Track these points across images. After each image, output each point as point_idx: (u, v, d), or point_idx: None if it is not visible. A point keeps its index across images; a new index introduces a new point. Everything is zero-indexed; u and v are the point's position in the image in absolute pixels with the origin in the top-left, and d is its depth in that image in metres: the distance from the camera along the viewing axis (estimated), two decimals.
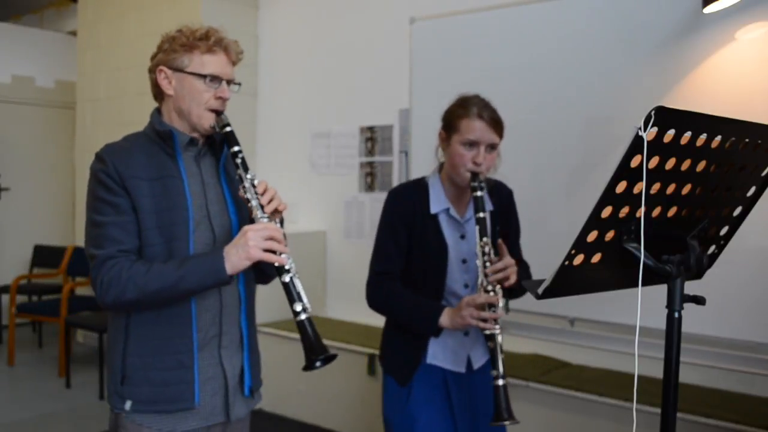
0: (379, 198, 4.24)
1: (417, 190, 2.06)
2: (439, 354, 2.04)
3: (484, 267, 1.88)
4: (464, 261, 2.03)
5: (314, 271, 4.50)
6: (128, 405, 1.60)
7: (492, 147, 1.94)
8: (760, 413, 2.62)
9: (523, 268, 2.09)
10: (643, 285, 1.19)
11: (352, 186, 4.44)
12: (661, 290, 1.27)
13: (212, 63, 1.63)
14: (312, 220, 4.67)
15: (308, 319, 1.56)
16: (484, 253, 1.88)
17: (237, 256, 1.52)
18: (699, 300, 1.26)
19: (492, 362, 1.87)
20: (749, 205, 1.38)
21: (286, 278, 1.56)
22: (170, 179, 1.60)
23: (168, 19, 4.87)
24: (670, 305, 1.25)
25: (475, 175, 1.92)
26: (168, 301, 1.57)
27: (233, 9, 4.82)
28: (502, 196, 2.12)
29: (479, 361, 2.08)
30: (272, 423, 4.02)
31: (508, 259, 1.90)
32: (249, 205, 1.59)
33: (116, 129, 6.08)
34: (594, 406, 2.87)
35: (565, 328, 2.90)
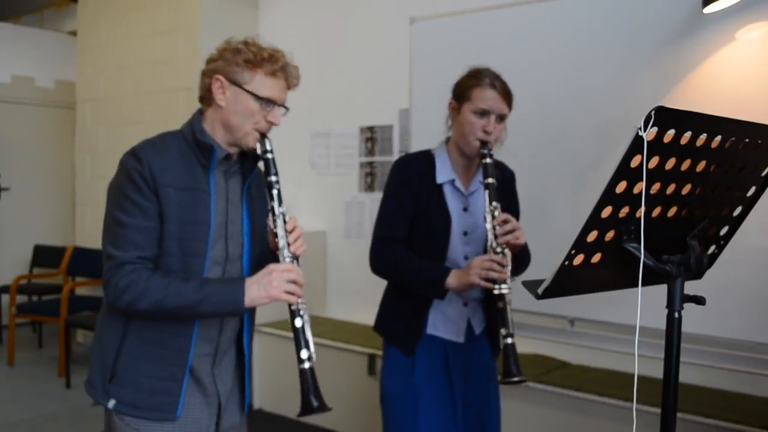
0: (379, 198, 4.23)
1: (424, 159, 2.09)
2: (439, 324, 2.07)
3: (494, 229, 1.90)
4: (465, 233, 2.05)
5: (314, 271, 4.49)
6: (112, 403, 1.60)
7: (501, 118, 1.98)
8: (760, 413, 2.62)
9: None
10: (643, 285, 1.19)
11: (352, 186, 4.45)
12: (661, 290, 1.27)
13: (272, 86, 1.61)
14: (312, 220, 4.67)
15: (311, 368, 1.57)
16: (493, 217, 1.91)
17: (258, 294, 1.53)
18: (699, 300, 1.27)
19: (501, 321, 1.90)
20: (749, 205, 1.38)
21: (299, 323, 1.57)
22: (199, 193, 1.58)
23: (168, 19, 4.87)
24: (670, 305, 1.25)
25: (484, 144, 1.96)
26: (178, 318, 1.57)
27: (233, 9, 4.82)
28: (504, 176, 2.15)
29: (479, 326, 2.11)
30: (272, 423, 4.02)
31: (516, 222, 1.94)
32: (275, 239, 1.60)
33: (116, 129, 6.09)
34: (594, 406, 2.87)
35: (565, 328, 2.90)
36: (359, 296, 4.27)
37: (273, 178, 1.62)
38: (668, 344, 1.24)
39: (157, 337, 1.59)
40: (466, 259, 2.06)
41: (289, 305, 1.57)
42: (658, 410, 1.29)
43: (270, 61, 1.61)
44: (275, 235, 1.60)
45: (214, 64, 1.62)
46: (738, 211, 1.38)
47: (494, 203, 1.92)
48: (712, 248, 1.41)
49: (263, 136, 1.63)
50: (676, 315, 1.24)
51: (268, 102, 1.61)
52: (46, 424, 3.89)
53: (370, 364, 3.65)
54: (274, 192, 1.61)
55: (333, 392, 3.84)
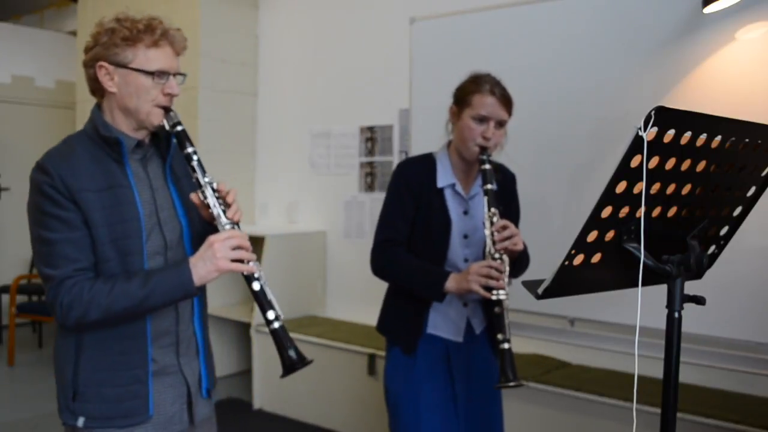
0: (379, 198, 4.23)
1: (425, 164, 2.12)
2: (439, 324, 2.09)
3: (492, 235, 1.92)
4: (466, 236, 2.08)
5: (314, 271, 4.49)
6: (81, 421, 1.55)
7: (501, 124, 2.01)
8: (760, 413, 2.62)
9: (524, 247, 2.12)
10: (643, 285, 1.19)
11: (352, 186, 4.44)
12: (661, 290, 1.27)
13: (158, 57, 1.53)
14: (312, 220, 4.67)
15: (282, 326, 1.52)
16: (492, 223, 1.93)
17: (205, 269, 1.48)
18: (699, 300, 1.27)
19: (498, 327, 1.91)
20: (749, 205, 1.38)
21: (257, 286, 1.52)
22: (120, 189, 1.52)
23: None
24: (670, 305, 1.25)
25: (483, 150, 1.98)
26: (133, 318, 1.52)
27: (233, 9, 4.82)
28: (506, 178, 2.17)
29: (479, 326, 2.14)
30: (272, 423, 4.02)
31: (514, 228, 1.96)
32: (209, 210, 1.54)
33: None
34: (594, 406, 2.87)
35: (565, 328, 2.90)
36: (359, 296, 4.27)
37: (189, 150, 1.55)
38: (668, 344, 1.24)
39: (111, 344, 1.54)
40: (466, 262, 2.08)
41: (242, 272, 1.52)
42: (658, 410, 1.29)
43: (148, 31, 1.53)
44: (207, 206, 1.54)
45: (92, 51, 1.55)
46: (738, 211, 1.38)
47: (493, 209, 1.94)
48: (712, 248, 1.41)
49: (167, 110, 1.56)
50: (676, 315, 1.24)
51: (159, 74, 1.53)
52: (46, 424, 3.91)
53: (370, 364, 3.65)
54: (194, 163, 1.54)
55: (333, 392, 3.87)
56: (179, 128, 1.57)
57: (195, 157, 1.56)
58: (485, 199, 1.95)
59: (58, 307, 1.47)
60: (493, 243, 1.92)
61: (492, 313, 1.96)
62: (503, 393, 2.21)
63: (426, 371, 2.07)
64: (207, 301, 1.76)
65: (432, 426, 2.04)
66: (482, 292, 1.90)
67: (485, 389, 2.13)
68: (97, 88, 1.58)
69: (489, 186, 1.96)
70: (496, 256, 1.92)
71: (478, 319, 2.13)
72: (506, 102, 2.00)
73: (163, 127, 1.58)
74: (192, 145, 1.57)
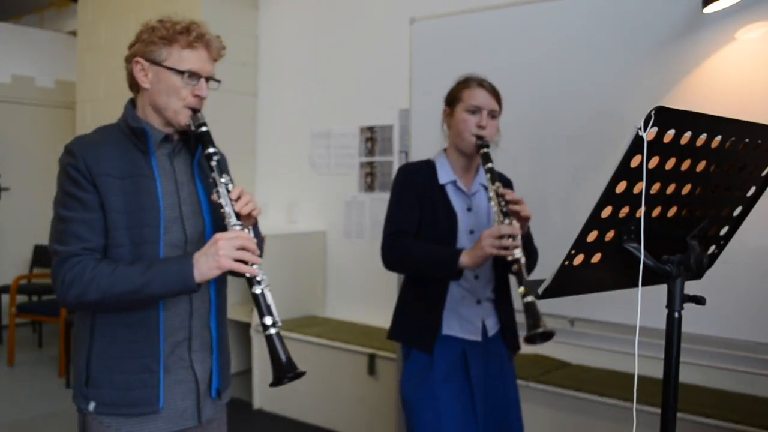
0: (379, 198, 4.24)
1: (425, 166, 2.18)
2: (454, 324, 2.10)
3: (500, 203, 1.95)
4: (471, 232, 2.11)
5: (314, 271, 4.49)
6: (92, 406, 1.57)
7: (493, 115, 2.07)
8: (760, 413, 2.62)
9: (528, 238, 2.12)
10: (643, 285, 1.19)
11: (352, 186, 4.44)
12: (661, 290, 1.27)
13: (192, 59, 1.58)
14: (312, 220, 4.67)
15: (278, 333, 1.51)
16: (498, 195, 1.96)
17: (207, 265, 1.48)
18: (699, 300, 1.27)
19: (519, 282, 1.92)
20: (749, 205, 1.38)
21: (257, 290, 1.51)
22: (142, 178, 1.55)
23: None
24: (670, 305, 1.25)
25: (480, 138, 2.04)
26: (132, 304, 1.52)
27: (233, 9, 4.82)
28: (502, 182, 2.15)
29: (493, 328, 2.16)
30: (272, 423, 4.02)
31: (519, 197, 1.99)
32: (222, 210, 1.55)
33: None
34: (594, 406, 2.87)
35: (565, 328, 2.90)
36: (359, 296, 4.27)
37: (210, 150, 1.59)
38: (668, 344, 1.25)
39: (123, 332, 1.55)
40: None
41: (243, 273, 1.51)
42: (658, 410, 1.29)
43: (185, 33, 1.57)
44: (221, 206, 1.55)
45: (133, 48, 1.60)
46: (738, 211, 1.38)
47: (497, 183, 1.97)
48: (712, 248, 1.41)
49: (195, 111, 1.60)
50: (676, 315, 1.25)
51: (191, 75, 1.58)
52: (46, 424, 3.90)
53: (370, 364, 3.65)
54: (213, 163, 1.57)
55: (333, 392, 3.87)
56: (203, 129, 1.61)
57: (215, 158, 1.59)
58: (488, 176, 1.98)
59: (59, 283, 1.49)
60: (501, 210, 1.93)
61: (510, 273, 1.96)
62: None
63: (444, 372, 2.07)
64: (226, 302, 1.75)
65: (454, 426, 2.03)
66: (496, 251, 1.89)
67: (503, 392, 2.13)
68: (133, 84, 1.63)
69: (490, 165, 2.00)
70: (506, 221, 1.92)
71: (492, 321, 2.14)
72: (495, 93, 2.09)
73: (189, 127, 1.61)
74: (214, 146, 1.60)
